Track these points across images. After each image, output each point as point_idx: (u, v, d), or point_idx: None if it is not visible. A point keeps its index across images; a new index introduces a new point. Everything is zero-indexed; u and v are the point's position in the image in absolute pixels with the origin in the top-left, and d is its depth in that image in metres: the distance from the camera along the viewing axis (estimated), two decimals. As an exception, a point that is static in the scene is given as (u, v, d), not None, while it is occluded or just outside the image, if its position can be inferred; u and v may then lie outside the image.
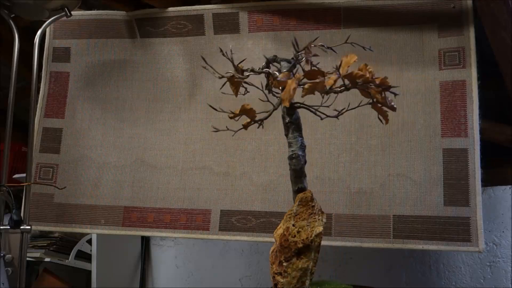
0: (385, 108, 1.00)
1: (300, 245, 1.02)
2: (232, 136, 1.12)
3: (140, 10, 1.72)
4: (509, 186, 1.92)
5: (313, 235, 1.03)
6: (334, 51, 1.06)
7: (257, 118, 1.07)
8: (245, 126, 1.09)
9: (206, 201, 1.63)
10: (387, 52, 1.55)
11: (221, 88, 1.12)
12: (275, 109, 1.06)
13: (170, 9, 1.70)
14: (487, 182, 1.54)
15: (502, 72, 1.59)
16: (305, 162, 1.06)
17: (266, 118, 1.07)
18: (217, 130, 1.12)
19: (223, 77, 1.09)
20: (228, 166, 1.63)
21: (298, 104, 1.04)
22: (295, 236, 1.03)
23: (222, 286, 2.35)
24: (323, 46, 1.05)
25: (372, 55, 1.57)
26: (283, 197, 1.57)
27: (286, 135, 1.06)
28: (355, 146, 1.54)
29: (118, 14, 1.74)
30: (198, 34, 1.69)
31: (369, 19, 1.56)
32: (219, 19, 1.67)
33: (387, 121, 1.01)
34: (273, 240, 1.54)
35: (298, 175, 1.06)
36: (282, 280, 1.03)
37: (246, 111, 1.06)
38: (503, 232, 1.93)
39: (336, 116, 1.05)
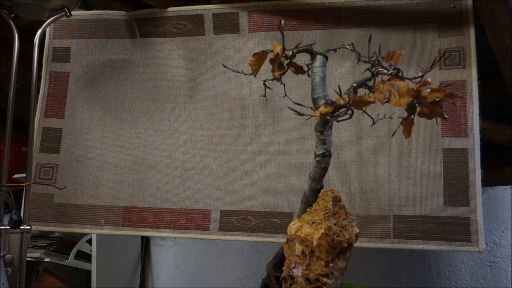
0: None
1: (345, 245, 0.99)
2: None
3: (140, 10, 1.72)
4: (509, 186, 1.92)
5: (354, 235, 1.01)
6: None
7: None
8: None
9: (206, 201, 1.63)
10: (387, 52, 1.55)
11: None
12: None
13: (170, 9, 1.70)
14: (487, 182, 1.54)
15: (502, 72, 1.59)
16: None
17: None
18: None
19: None
20: (228, 166, 1.63)
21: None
22: (339, 235, 0.99)
23: (222, 286, 2.35)
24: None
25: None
26: (283, 197, 1.57)
27: (321, 131, 1.03)
28: (355, 146, 1.54)
29: (118, 14, 1.74)
30: (198, 34, 1.69)
31: (369, 19, 1.56)
32: (219, 19, 1.66)
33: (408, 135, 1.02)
34: (272, 240, 1.55)
35: (324, 173, 1.05)
36: (329, 282, 0.98)
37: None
38: (503, 232, 1.92)
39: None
